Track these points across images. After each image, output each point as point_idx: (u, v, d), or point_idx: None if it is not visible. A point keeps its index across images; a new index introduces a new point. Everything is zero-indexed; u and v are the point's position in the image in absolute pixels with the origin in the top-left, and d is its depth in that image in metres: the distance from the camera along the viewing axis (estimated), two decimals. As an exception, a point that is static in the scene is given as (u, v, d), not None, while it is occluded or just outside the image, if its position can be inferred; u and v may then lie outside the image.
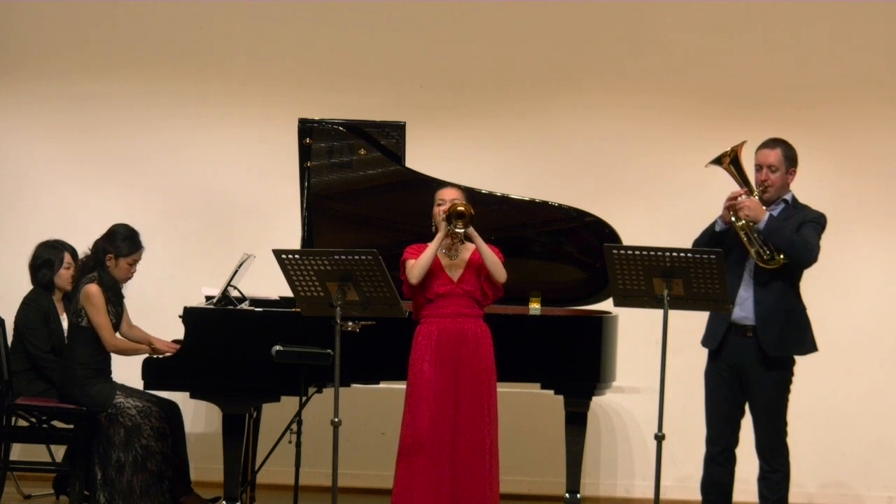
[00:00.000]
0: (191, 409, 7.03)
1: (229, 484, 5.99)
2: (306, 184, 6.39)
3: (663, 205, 7.41)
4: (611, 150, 7.49)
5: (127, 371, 6.33)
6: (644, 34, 7.51)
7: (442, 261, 5.84)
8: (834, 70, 7.45)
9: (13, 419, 6.51)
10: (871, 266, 7.44)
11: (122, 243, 6.27)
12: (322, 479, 6.52)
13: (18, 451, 6.93)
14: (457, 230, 5.73)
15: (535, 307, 6.48)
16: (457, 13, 7.54)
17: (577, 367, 6.15)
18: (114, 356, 6.35)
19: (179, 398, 6.40)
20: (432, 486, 5.69)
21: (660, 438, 5.43)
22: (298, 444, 5.99)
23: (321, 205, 6.45)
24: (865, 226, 7.41)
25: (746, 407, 5.80)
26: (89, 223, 6.81)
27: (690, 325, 5.90)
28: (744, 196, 5.66)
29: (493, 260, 5.78)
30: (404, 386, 5.84)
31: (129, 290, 6.46)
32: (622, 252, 5.43)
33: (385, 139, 6.47)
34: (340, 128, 6.45)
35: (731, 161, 5.74)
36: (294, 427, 5.99)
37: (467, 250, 5.86)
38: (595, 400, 6.25)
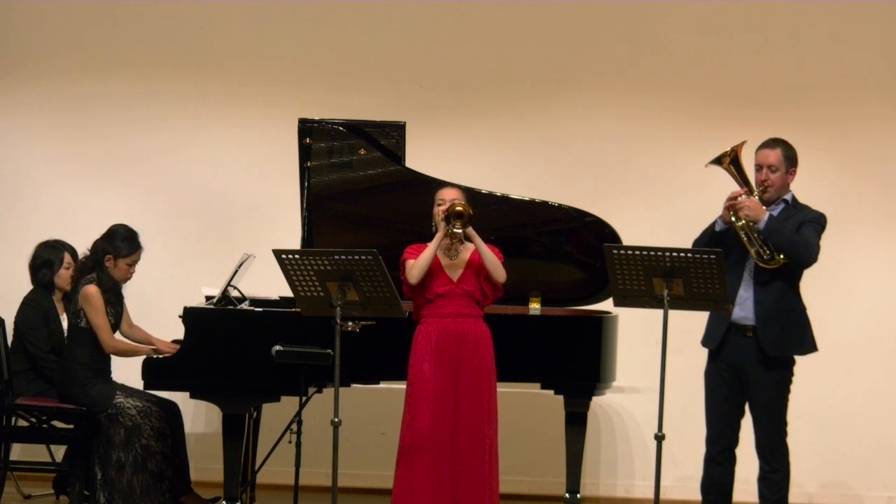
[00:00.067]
0: (191, 409, 7.03)
1: (229, 484, 5.99)
2: (306, 184, 6.39)
3: (663, 205, 7.41)
4: (611, 150, 7.49)
5: (127, 371, 6.33)
6: (644, 34, 7.51)
7: (442, 261, 5.84)
8: (834, 70, 7.45)
9: (13, 419, 6.51)
10: (871, 266, 7.44)
11: (121, 244, 6.26)
12: (322, 479, 6.52)
13: (18, 451, 6.93)
14: (455, 230, 5.73)
15: (535, 307, 6.47)
16: (457, 13, 7.54)
17: (577, 367, 6.15)
18: (114, 356, 6.35)
19: (179, 398, 6.40)
20: (432, 486, 5.69)
21: (660, 438, 5.43)
22: (298, 444, 5.99)
23: (321, 205, 6.45)
24: (865, 226, 7.41)
25: (746, 407, 5.80)
26: (89, 223, 6.81)
27: (690, 325, 5.90)
28: (744, 196, 5.66)
29: (492, 260, 5.79)
30: (404, 386, 5.84)
31: (129, 290, 6.46)
32: (622, 252, 5.43)
33: (385, 139, 6.46)
34: (340, 128, 6.45)
35: (731, 161, 5.74)
36: (294, 427, 5.99)
37: (467, 250, 5.86)
38: (595, 400, 6.25)
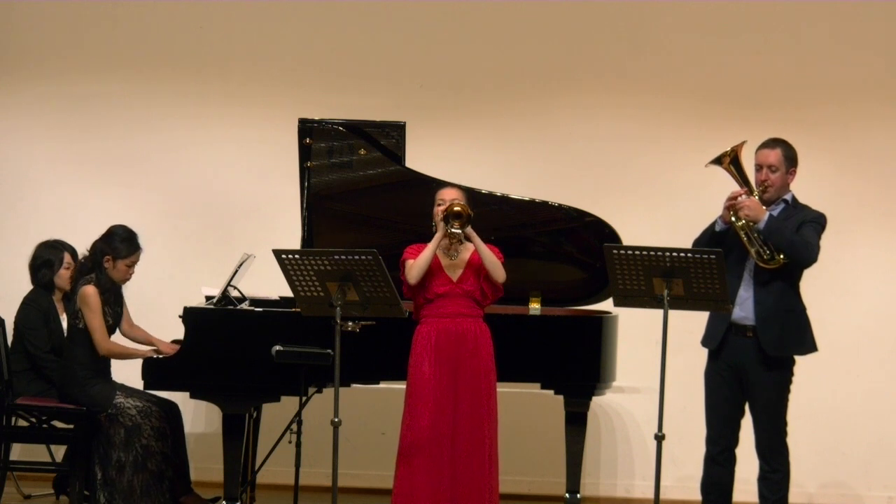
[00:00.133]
0: (191, 409, 7.03)
1: (229, 484, 5.99)
2: (306, 184, 6.39)
3: (663, 205, 7.41)
4: (611, 150, 7.49)
5: (127, 371, 6.33)
6: (644, 34, 7.51)
7: (442, 261, 5.84)
8: (834, 70, 7.45)
9: (13, 419, 6.51)
10: (871, 266, 7.44)
11: (120, 245, 6.26)
12: (322, 479, 6.52)
13: (18, 451, 6.93)
14: (453, 230, 5.73)
15: (535, 307, 6.47)
16: (457, 13, 7.54)
17: (577, 367, 6.15)
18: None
19: (179, 398, 6.40)
20: (432, 486, 5.69)
21: (660, 438, 5.43)
22: (298, 444, 5.99)
23: (321, 205, 6.45)
24: (865, 226, 7.41)
25: (746, 407, 5.80)
26: (89, 223, 6.81)
27: (690, 325, 5.90)
28: (744, 196, 5.66)
29: (491, 260, 5.79)
30: (404, 386, 5.84)
31: (129, 290, 6.46)
32: (622, 252, 5.43)
33: (385, 139, 6.46)
34: (340, 128, 6.45)
35: (731, 161, 5.74)
36: (294, 427, 5.98)
37: (467, 250, 5.86)
38: (595, 400, 6.25)
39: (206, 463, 6.90)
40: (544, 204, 6.49)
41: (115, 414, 6.17)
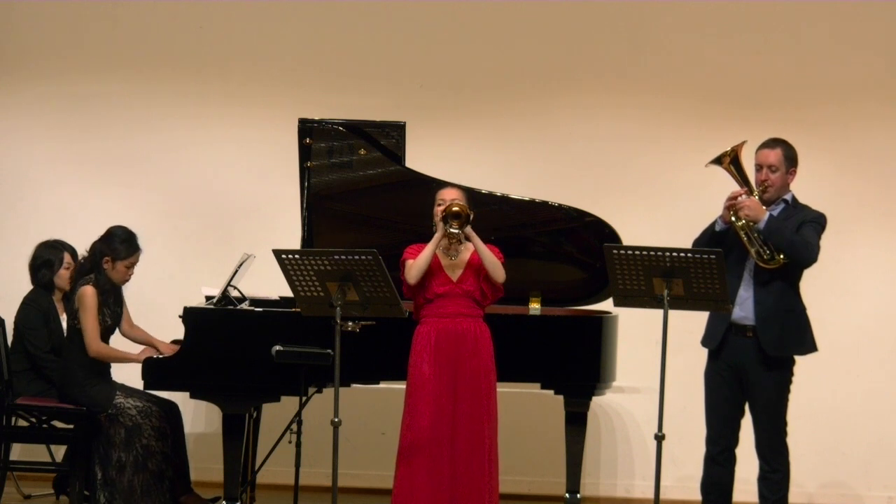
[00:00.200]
0: (191, 409, 7.03)
1: (229, 484, 5.99)
2: (306, 184, 6.39)
3: (663, 205, 7.41)
4: (611, 150, 7.49)
5: (127, 371, 6.32)
6: (644, 34, 7.51)
7: (442, 261, 5.84)
8: (834, 70, 7.45)
9: (13, 419, 6.51)
10: (871, 266, 7.44)
11: (119, 246, 6.25)
12: (322, 479, 6.52)
13: (18, 451, 6.93)
14: (451, 230, 5.73)
15: (535, 307, 6.47)
16: (457, 13, 7.54)
17: (577, 367, 6.15)
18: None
19: (179, 398, 6.40)
20: (432, 487, 5.69)
21: (660, 438, 5.43)
22: (298, 444, 5.99)
23: (321, 205, 6.45)
24: (865, 226, 7.41)
25: (746, 407, 5.80)
26: (89, 223, 6.81)
27: (690, 325, 5.90)
28: (744, 196, 5.66)
29: (491, 260, 5.79)
30: (404, 386, 5.84)
31: (129, 290, 6.46)
32: (622, 252, 5.43)
33: (385, 139, 6.46)
34: (340, 128, 6.45)
35: (731, 161, 5.74)
36: (294, 427, 5.98)
37: (467, 250, 5.86)
38: (595, 400, 6.25)
39: (206, 463, 6.90)
40: (544, 204, 6.49)
41: (116, 414, 6.17)
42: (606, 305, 6.26)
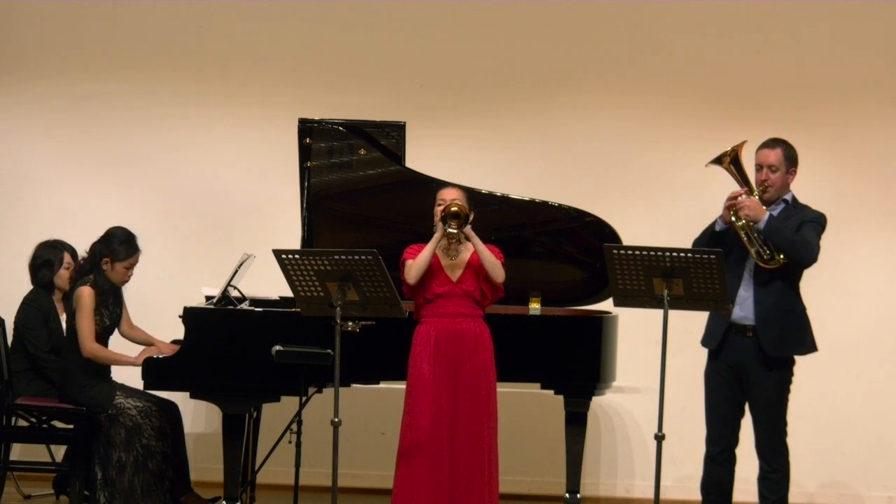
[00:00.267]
0: (191, 409, 7.03)
1: (229, 484, 5.99)
2: (306, 184, 6.39)
3: (663, 205, 7.41)
4: (611, 150, 7.49)
5: (127, 371, 6.32)
6: (644, 34, 7.51)
7: (442, 261, 5.84)
8: (834, 70, 7.45)
9: (13, 419, 6.51)
10: (871, 266, 7.44)
11: (118, 247, 6.25)
12: (322, 479, 6.52)
13: (18, 451, 6.93)
14: (450, 230, 5.73)
15: (535, 307, 6.47)
16: (457, 13, 7.54)
17: (577, 367, 6.15)
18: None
19: (179, 398, 6.40)
20: (432, 487, 5.69)
21: (660, 438, 5.43)
22: (298, 444, 5.99)
23: (321, 205, 6.45)
24: (865, 226, 7.41)
25: (746, 407, 5.80)
26: (89, 223, 6.81)
27: (690, 325, 5.90)
28: (744, 196, 5.66)
29: (490, 260, 5.79)
30: (404, 386, 5.84)
31: (129, 291, 6.46)
32: (622, 252, 5.43)
33: (385, 139, 6.46)
34: (340, 128, 6.45)
35: (731, 161, 5.74)
36: (294, 427, 5.98)
37: (467, 251, 5.86)
38: (595, 400, 6.25)
39: (206, 463, 6.90)
40: (544, 204, 6.49)
41: (116, 414, 6.17)
42: (606, 305, 6.26)
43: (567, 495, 6.24)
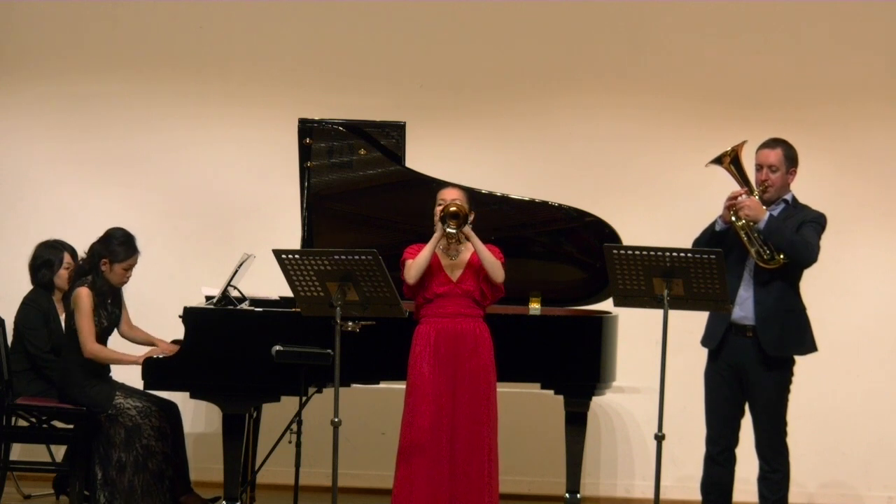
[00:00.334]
0: (191, 409, 7.03)
1: (229, 484, 5.99)
2: (306, 184, 6.39)
3: (663, 205, 7.41)
4: (611, 150, 7.49)
5: (127, 371, 6.32)
6: (644, 34, 7.51)
7: (442, 261, 5.84)
8: (834, 70, 7.45)
9: (13, 419, 6.51)
10: (871, 266, 7.44)
11: (117, 248, 6.24)
12: (322, 479, 6.52)
13: (18, 451, 6.93)
14: (449, 230, 5.73)
15: (535, 307, 6.47)
16: (457, 13, 7.54)
17: (577, 367, 6.15)
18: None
19: (179, 398, 6.40)
20: (432, 486, 5.69)
21: (660, 438, 5.43)
22: (298, 444, 5.99)
23: (321, 205, 6.45)
24: (865, 226, 7.41)
25: (746, 407, 5.80)
26: (89, 223, 6.81)
27: (690, 325, 5.90)
28: (744, 196, 5.66)
29: (490, 260, 5.79)
30: (404, 386, 5.84)
31: (129, 291, 6.46)
32: (622, 252, 5.43)
33: (385, 139, 6.46)
34: (340, 128, 6.45)
35: (731, 161, 5.74)
36: (294, 427, 5.98)
37: (468, 251, 5.86)
38: (595, 400, 6.25)
39: (206, 463, 6.90)
40: (544, 204, 6.49)
41: (116, 414, 6.17)
42: (606, 305, 6.26)
43: (567, 495, 6.24)
